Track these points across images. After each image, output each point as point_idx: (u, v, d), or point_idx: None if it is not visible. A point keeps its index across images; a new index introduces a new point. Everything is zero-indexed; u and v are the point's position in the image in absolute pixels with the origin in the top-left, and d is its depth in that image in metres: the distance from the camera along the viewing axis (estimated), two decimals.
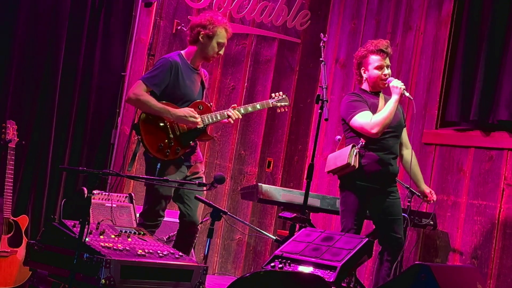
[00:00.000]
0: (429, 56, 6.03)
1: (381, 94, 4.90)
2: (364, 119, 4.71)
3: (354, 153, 4.66)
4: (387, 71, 4.85)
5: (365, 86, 4.91)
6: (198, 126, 4.56)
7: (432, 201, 5.09)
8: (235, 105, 4.81)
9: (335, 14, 6.82)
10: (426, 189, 5.06)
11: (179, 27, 5.95)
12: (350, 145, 4.70)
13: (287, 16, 6.49)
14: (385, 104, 4.79)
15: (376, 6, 6.54)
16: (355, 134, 4.78)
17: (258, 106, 4.88)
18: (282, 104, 4.95)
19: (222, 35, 4.63)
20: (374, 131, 4.67)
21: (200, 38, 4.61)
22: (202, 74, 4.75)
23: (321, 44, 4.94)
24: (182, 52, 4.70)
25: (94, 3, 5.86)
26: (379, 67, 4.83)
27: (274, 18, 6.42)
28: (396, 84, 4.76)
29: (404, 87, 4.77)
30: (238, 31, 6.27)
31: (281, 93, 4.99)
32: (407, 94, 4.78)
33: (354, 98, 4.84)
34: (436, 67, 5.95)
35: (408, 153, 5.02)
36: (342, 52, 6.71)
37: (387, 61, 4.86)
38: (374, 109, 4.77)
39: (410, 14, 6.26)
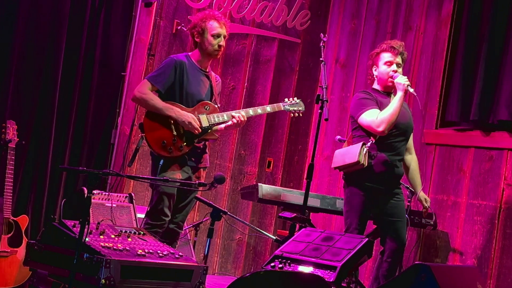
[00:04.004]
0: (429, 56, 6.03)
1: (392, 95, 4.81)
2: (371, 117, 4.67)
3: (364, 152, 4.63)
4: (396, 68, 4.79)
5: (376, 85, 4.87)
6: (196, 132, 4.54)
7: (426, 208, 5.05)
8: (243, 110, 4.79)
9: (335, 14, 6.82)
10: (422, 196, 5.03)
11: (179, 27, 5.95)
12: (360, 143, 4.64)
13: (287, 16, 6.48)
14: None
15: (376, 6, 6.54)
16: (364, 133, 4.74)
17: (268, 109, 4.85)
18: (296, 109, 4.90)
19: (213, 27, 4.62)
20: (380, 129, 4.63)
21: (195, 38, 4.67)
22: (213, 78, 4.76)
23: (321, 44, 4.94)
24: (190, 53, 4.73)
25: (94, 3, 5.86)
26: (389, 63, 4.79)
27: (274, 18, 6.41)
28: (400, 80, 4.70)
29: (408, 83, 4.69)
30: (238, 31, 6.27)
31: (295, 98, 4.94)
32: (411, 90, 4.70)
33: (364, 95, 4.80)
34: (436, 67, 5.95)
35: (410, 158, 5.00)
36: (342, 52, 6.71)
37: (398, 59, 4.81)
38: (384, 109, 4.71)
39: (410, 14, 6.26)
